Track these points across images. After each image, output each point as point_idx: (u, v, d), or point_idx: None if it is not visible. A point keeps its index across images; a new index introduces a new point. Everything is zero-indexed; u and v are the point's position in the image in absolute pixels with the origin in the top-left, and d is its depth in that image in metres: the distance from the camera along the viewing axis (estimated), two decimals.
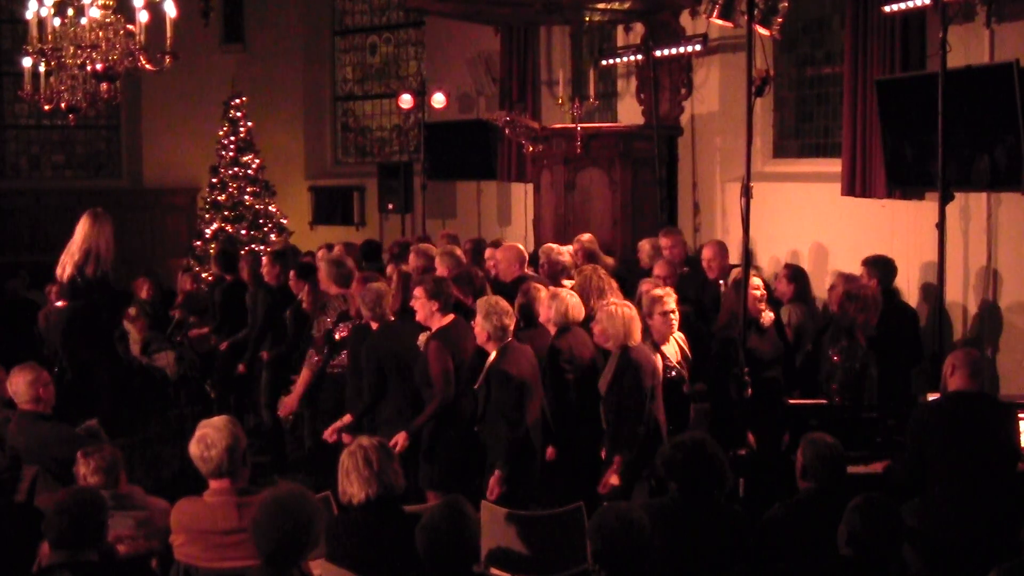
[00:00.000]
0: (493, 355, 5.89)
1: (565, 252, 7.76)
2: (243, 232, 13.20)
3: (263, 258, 8.76)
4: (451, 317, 6.19)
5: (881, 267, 7.23)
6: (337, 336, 7.06)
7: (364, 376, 6.39)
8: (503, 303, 5.96)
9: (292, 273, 8.28)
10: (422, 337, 6.25)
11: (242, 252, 10.19)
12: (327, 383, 7.16)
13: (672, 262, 7.83)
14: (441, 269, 7.33)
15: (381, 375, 6.31)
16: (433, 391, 6.01)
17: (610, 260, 8.42)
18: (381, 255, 10.27)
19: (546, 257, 7.66)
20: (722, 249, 7.98)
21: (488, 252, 8.47)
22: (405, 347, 6.34)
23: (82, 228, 7.87)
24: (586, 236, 8.39)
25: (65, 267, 7.84)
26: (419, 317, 6.24)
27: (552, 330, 6.28)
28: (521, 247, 7.84)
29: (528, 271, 7.71)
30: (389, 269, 8.21)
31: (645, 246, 8.37)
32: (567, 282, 7.15)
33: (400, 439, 5.95)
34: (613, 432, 5.83)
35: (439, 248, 8.03)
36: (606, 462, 5.82)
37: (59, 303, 8.24)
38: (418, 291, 6.22)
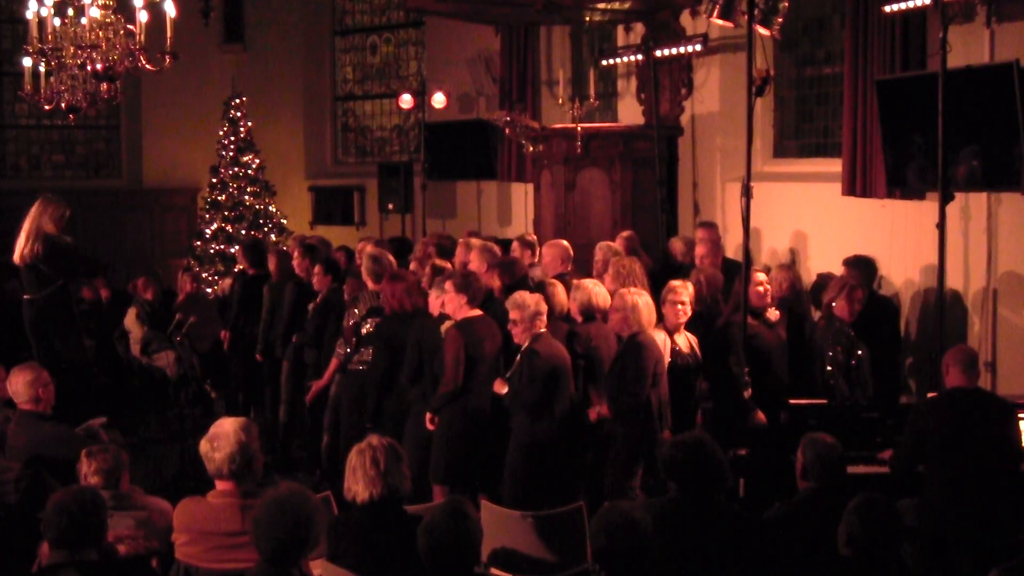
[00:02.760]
0: (526, 344, 5.98)
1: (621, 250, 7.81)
2: (243, 232, 13.20)
3: (294, 251, 8.78)
4: (478, 312, 6.28)
5: (862, 266, 7.32)
6: (364, 330, 7.08)
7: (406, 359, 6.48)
8: (529, 296, 6.07)
9: (318, 268, 8.25)
10: (445, 324, 6.31)
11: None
12: (348, 378, 7.18)
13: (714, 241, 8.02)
14: (479, 264, 7.34)
15: (419, 360, 6.42)
16: (444, 377, 6.11)
17: (647, 259, 8.40)
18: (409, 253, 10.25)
19: (602, 254, 7.67)
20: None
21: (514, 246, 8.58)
22: (437, 337, 6.43)
23: (30, 214, 7.94)
24: (625, 233, 8.43)
25: (24, 258, 7.87)
26: (448, 310, 6.34)
27: (578, 319, 6.38)
28: (567, 244, 7.84)
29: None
30: (413, 266, 8.23)
31: (678, 244, 8.40)
32: None
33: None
34: (614, 399, 5.91)
35: (475, 244, 8.02)
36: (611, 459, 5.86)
37: (25, 295, 8.22)
38: (448, 284, 6.32)
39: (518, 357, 6.01)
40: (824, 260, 8.46)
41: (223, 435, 4.27)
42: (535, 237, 9.01)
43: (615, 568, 3.75)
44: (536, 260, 8.23)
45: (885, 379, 6.89)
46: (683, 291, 6.32)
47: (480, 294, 6.38)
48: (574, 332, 6.31)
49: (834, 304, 6.55)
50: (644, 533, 3.77)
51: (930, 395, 5.72)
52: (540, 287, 6.68)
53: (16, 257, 7.90)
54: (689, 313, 6.34)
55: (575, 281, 6.67)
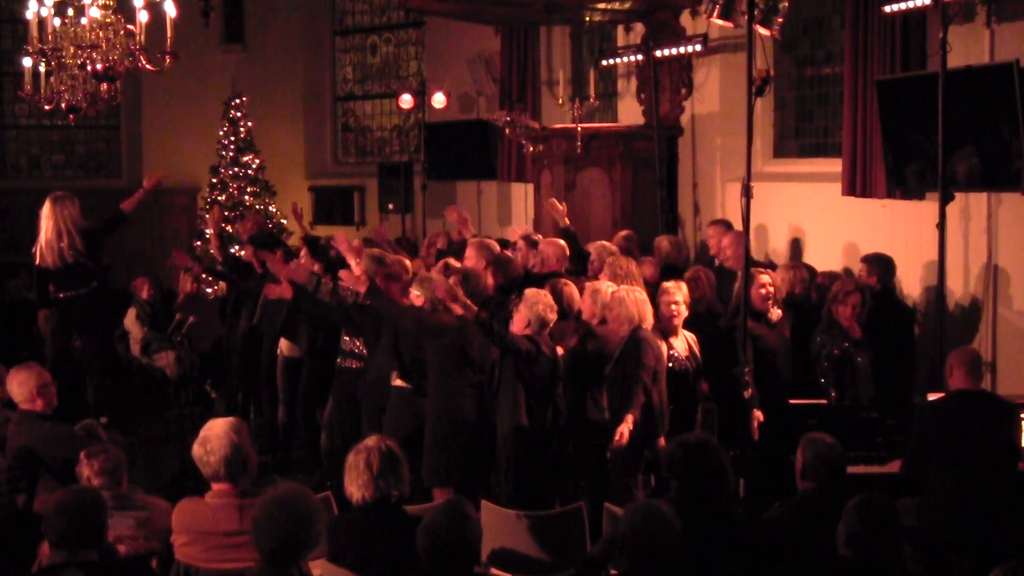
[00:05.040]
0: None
1: (616, 249, 7.79)
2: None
3: (302, 250, 8.77)
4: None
5: (880, 264, 7.27)
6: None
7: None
8: (550, 298, 6.02)
9: (318, 267, 8.16)
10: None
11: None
12: (341, 377, 7.17)
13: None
14: (476, 261, 7.28)
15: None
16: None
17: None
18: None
19: (597, 254, 7.65)
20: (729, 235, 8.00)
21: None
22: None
23: (50, 214, 7.91)
24: (624, 232, 8.41)
25: (67, 257, 7.84)
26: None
27: (594, 322, 6.32)
28: (564, 243, 7.83)
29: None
30: (415, 264, 8.18)
31: (663, 243, 8.32)
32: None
33: None
34: (618, 399, 5.86)
35: (472, 241, 7.97)
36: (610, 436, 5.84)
37: (61, 294, 8.19)
38: (453, 280, 6.30)
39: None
40: (824, 260, 8.45)
41: (214, 438, 4.28)
42: (540, 236, 8.98)
43: (639, 564, 3.75)
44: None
45: (897, 383, 6.82)
46: (676, 292, 6.28)
47: (480, 296, 6.30)
48: (590, 333, 6.21)
49: (834, 309, 6.53)
50: (676, 532, 3.79)
51: (932, 396, 5.71)
52: (554, 288, 6.62)
53: (53, 259, 7.88)
54: (685, 314, 6.32)
55: (589, 284, 6.61)
